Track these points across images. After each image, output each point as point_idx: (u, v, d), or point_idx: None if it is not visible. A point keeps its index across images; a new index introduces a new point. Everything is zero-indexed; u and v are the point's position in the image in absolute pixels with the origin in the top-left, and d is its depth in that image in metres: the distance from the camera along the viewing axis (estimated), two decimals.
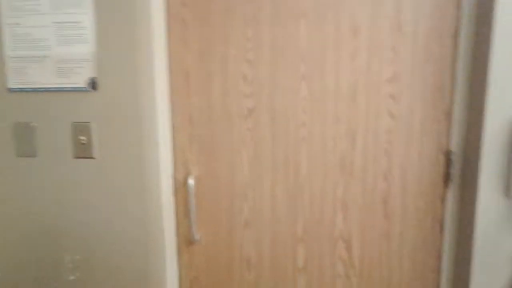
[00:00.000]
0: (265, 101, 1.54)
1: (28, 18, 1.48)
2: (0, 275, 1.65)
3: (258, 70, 1.52)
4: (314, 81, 1.52)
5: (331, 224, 1.59)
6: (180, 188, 1.61)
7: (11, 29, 1.49)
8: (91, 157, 1.53)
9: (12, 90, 1.53)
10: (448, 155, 1.53)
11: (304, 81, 1.52)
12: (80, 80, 1.49)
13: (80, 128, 1.51)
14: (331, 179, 1.57)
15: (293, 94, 1.53)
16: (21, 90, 1.52)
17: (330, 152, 1.55)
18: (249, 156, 1.57)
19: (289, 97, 1.53)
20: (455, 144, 1.51)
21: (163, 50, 1.52)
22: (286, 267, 1.63)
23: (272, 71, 1.52)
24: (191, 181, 1.56)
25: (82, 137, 1.52)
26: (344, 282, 1.62)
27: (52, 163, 1.55)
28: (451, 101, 1.50)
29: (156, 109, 1.49)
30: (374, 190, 1.56)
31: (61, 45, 1.48)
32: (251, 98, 1.54)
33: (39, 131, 1.54)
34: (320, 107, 1.53)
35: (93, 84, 1.48)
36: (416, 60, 1.49)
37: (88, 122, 1.51)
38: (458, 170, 1.53)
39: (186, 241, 1.64)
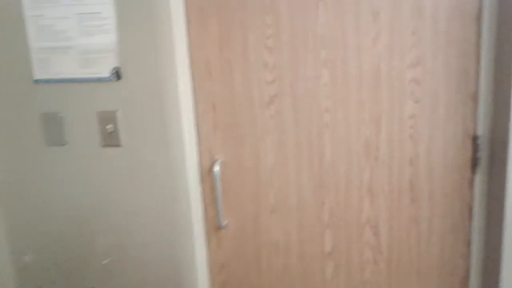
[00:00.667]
0: (287, 88, 1.53)
1: (51, 10, 1.49)
2: (34, 258, 1.70)
3: (278, 57, 1.51)
4: (336, 67, 1.50)
5: (358, 210, 1.59)
6: (206, 175, 1.62)
7: (35, 21, 1.51)
8: (118, 146, 1.55)
9: (37, 82, 1.55)
10: (475, 139, 1.49)
11: (326, 67, 1.50)
12: (104, 70, 1.50)
13: (107, 117, 1.54)
14: (356, 165, 1.55)
15: (314, 80, 1.51)
16: (47, 81, 1.55)
17: (354, 137, 1.53)
18: (273, 143, 1.57)
19: (311, 84, 1.52)
20: (482, 128, 1.49)
21: (183, 38, 1.52)
22: (314, 253, 1.64)
23: (293, 57, 1.50)
24: (216, 169, 1.57)
25: (109, 126, 1.54)
26: (372, 268, 1.62)
27: (81, 151, 1.58)
28: (476, 84, 1.47)
29: (179, 97, 1.50)
30: (400, 175, 1.55)
31: (84, 35, 1.49)
32: (272, 85, 1.53)
33: (66, 120, 1.57)
34: (342, 93, 1.51)
35: (117, 74, 1.50)
36: (439, 44, 1.45)
37: (114, 111, 1.53)
38: (486, 155, 1.49)
39: (214, 228, 1.66)
